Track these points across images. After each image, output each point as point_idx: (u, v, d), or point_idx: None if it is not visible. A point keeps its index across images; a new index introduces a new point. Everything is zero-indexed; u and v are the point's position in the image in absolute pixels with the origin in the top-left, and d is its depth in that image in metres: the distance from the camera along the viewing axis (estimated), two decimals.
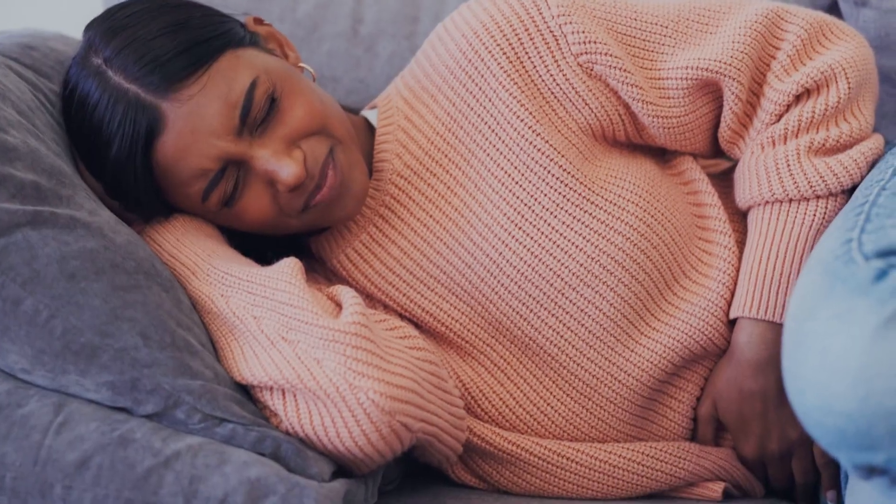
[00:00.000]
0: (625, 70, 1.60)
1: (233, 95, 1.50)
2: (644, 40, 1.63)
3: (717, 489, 1.64)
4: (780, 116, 1.61)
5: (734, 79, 1.60)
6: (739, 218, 1.69)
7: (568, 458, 1.61)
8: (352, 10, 2.05)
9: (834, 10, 1.94)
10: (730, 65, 1.59)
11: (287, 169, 1.51)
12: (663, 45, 1.64)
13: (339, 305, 1.50)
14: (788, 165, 1.59)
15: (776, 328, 1.57)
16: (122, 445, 1.36)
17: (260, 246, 1.64)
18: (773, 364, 1.58)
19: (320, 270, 1.69)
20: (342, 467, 1.46)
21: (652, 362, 1.61)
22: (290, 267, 1.50)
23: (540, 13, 1.62)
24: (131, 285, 1.43)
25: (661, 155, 1.72)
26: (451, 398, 1.53)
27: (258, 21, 1.65)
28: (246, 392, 1.47)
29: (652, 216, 1.61)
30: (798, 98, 1.61)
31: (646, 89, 1.61)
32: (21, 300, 1.37)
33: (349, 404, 1.40)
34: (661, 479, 1.63)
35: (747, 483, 1.66)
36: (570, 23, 1.61)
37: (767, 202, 1.61)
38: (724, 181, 1.73)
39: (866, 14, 1.86)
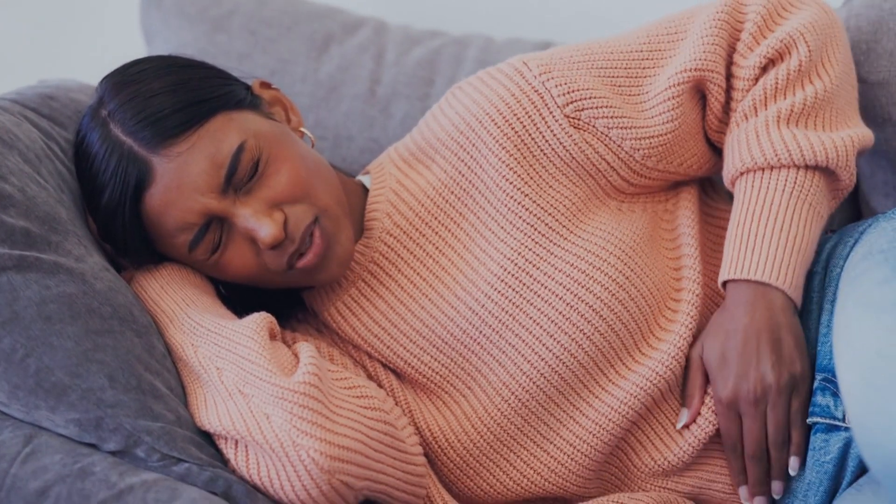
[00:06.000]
0: (611, 107, 1.68)
1: (220, 156, 1.59)
2: (626, 69, 1.72)
3: None
4: (749, 92, 1.70)
5: (711, 71, 1.69)
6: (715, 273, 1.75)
7: None
8: (371, 71, 2.14)
9: None
10: (703, 59, 1.68)
11: (265, 229, 1.60)
12: (644, 68, 1.72)
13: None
14: (757, 135, 1.68)
15: (757, 286, 1.63)
16: (80, 478, 1.46)
17: (256, 297, 1.74)
18: (760, 303, 1.63)
19: (313, 322, 1.78)
20: None
21: (613, 408, 1.66)
22: (256, 322, 1.59)
23: (523, 77, 1.70)
24: (104, 329, 1.53)
25: (661, 205, 1.77)
26: (407, 456, 1.61)
27: (265, 85, 1.75)
28: (209, 436, 1.56)
29: (631, 269, 1.67)
30: (764, 70, 1.69)
31: (634, 117, 1.69)
32: (0, 339, 1.49)
33: (291, 461, 1.49)
34: None
35: None
36: (552, 78, 1.69)
37: (742, 173, 1.69)
38: (715, 238, 1.79)
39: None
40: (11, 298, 1.50)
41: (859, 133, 1.70)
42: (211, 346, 1.57)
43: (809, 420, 1.62)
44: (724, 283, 1.67)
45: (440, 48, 2.15)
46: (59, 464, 1.48)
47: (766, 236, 1.64)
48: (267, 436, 1.50)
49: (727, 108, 1.73)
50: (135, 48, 2.24)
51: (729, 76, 1.72)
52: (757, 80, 1.70)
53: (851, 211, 1.99)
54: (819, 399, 1.62)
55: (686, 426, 1.67)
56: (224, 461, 1.55)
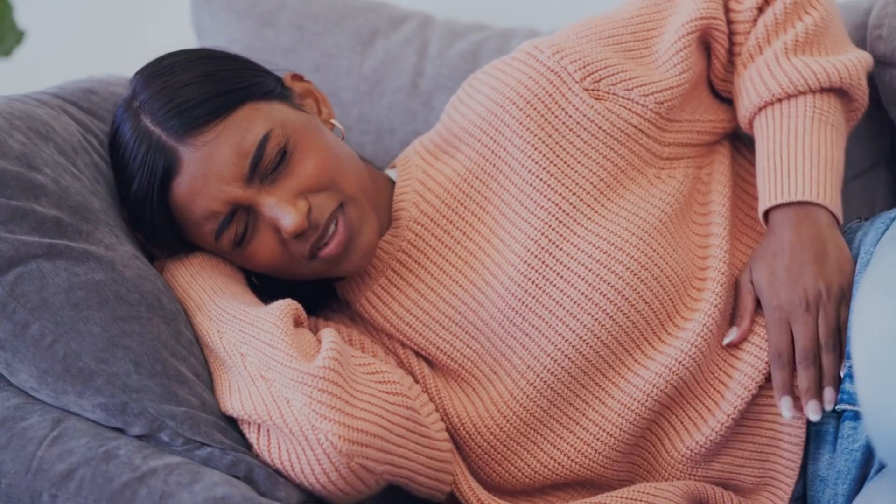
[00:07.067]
0: (626, 70, 1.73)
1: (245, 145, 1.62)
2: (632, 33, 1.77)
3: None
4: (751, 33, 1.75)
5: (714, 18, 1.76)
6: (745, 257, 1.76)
7: None
8: (414, 65, 2.15)
9: None
10: (705, 9, 1.76)
11: (289, 217, 1.62)
12: (649, 30, 1.78)
13: None
14: (770, 69, 1.75)
15: (799, 206, 1.67)
16: (104, 460, 1.50)
17: (288, 288, 1.76)
18: (805, 221, 1.66)
19: (346, 312, 1.80)
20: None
21: (640, 388, 1.67)
22: (280, 309, 1.61)
23: (537, 59, 1.73)
24: (131, 316, 1.56)
25: (700, 170, 1.78)
26: (430, 441, 1.62)
27: (297, 77, 1.77)
28: (234, 421, 1.59)
29: (654, 249, 1.68)
30: (761, 11, 1.77)
31: (649, 75, 1.74)
32: (29, 325, 1.52)
33: (311, 444, 1.51)
34: None
35: None
36: (566, 56, 1.72)
37: (760, 108, 1.74)
38: (745, 218, 1.81)
39: (893, 73, 1.88)
40: (41, 285, 1.53)
41: (862, 55, 1.76)
42: (236, 333, 1.60)
43: (838, 407, 1.61)
44: (766, 214, 1.70)
45: (483, 41, 2.16)
46: (85, 447, 1.51)
47: (799, 159, 1.69)
48: (287, 420, 1.52)
49: (731, 54, 1.78)
50: (187, 44, 2.27)
51: (728, 23, 1.77)
52: (755, 21, 1.76)
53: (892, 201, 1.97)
54: (847, 386, 1.60)
55: (734, 344, 1.68)
56: (248, 446, 1.57)
